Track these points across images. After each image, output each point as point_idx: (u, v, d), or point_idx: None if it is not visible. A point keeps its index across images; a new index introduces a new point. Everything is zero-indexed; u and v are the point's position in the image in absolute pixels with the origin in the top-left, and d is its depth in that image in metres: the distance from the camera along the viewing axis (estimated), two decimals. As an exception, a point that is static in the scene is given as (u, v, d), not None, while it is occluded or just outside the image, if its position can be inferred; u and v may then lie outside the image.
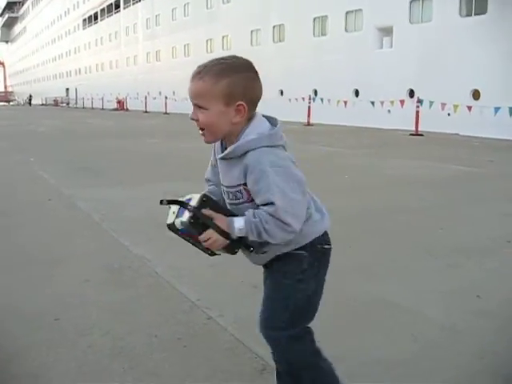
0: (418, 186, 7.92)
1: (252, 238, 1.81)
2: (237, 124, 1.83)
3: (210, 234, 1.81)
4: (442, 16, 19.75)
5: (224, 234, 1.80)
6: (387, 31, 22.37)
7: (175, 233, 1.88)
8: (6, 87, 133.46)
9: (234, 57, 1.88)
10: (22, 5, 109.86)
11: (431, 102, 18.73)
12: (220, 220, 1.81)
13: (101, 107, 52.01)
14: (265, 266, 2.06)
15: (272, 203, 1.75)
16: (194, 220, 1.77)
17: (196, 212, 1.77)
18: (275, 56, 28.72)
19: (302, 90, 25.39)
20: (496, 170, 9.87)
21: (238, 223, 1.80)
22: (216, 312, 3.26)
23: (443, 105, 18.51)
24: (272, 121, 1.90)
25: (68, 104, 69.07)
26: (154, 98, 41.88)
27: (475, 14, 18.45)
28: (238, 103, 1.80)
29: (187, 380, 2.51)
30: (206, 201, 1.81)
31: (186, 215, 1.78)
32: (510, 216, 6.00)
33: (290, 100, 26.39)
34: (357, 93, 23.80)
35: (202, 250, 1.89)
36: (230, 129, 1.84)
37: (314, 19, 26.57)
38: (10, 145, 14.53)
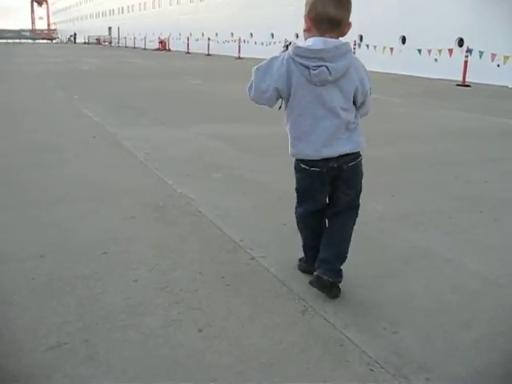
0: (463, 137, 7.74)
1: None
2: (306, 32, 2.58)
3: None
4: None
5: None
6: (440, -25, 21.40)
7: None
8: (49, 25, 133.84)
9: None
10: None
11: (481, 53, 18.06)
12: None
13: (143, 47, 51.79)
14: None
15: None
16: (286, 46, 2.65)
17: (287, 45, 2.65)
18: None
19: (347, 35, 24.66)
20: (546, 125, 9.55)
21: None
22: (259, 253, 3.31)
23: (493, 55, 17.83)
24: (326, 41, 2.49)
25: (110, 43, 68.95)
26: (197, 40, 41.47)
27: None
28: (303, 16, 2.55)
29: (230, 317, 2.58)
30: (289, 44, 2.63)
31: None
32: (559, 172, 5.84)
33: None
34: (403, 40, 23.07)
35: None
36: (304, 36, 2.60)
37: (364, -39, 25.58)
38: (54, 82, 14.67)
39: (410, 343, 2.41)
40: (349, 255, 2.82)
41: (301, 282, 2.92)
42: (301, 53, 2.47)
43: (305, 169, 2.67)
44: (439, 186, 5.13)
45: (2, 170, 5.30)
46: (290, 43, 2.57)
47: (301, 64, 2.47)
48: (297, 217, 2.92)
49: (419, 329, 2.53)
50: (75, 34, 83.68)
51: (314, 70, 2.45)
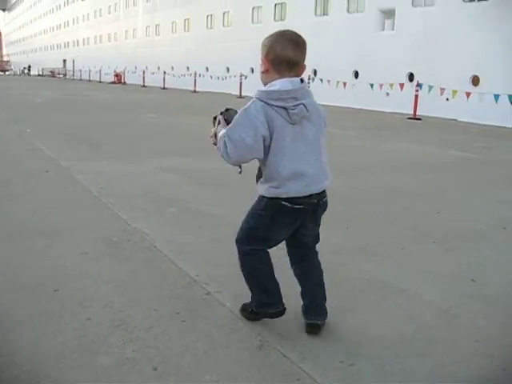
0: (416, 170, 7.94)
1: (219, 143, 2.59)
2: (264, 74, 2.62)
3: (213, 130, 2.71)
4: (445, 0, 19.58)
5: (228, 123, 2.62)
6: (389, 13, 22.20)
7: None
8: (2, 56, 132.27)
9: (285, 29, 2.68)
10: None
11: (430, 87, 18.69)
12: (222, 125, 2.66)
13: (98, 80, 51.59)
14: None
15: (227, 135, 2.51)
16: (214, 118, 2.75)
17: (218, 115, 2.72)
18: (275, 34, 28.42)
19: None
20: (493, 157, 9.90)
21: (222, 131, 2.58)
22: (215, 287, 3.28)
23: (442, 89, 18.48)
24: (293, 82, 2.53)
25: (65, 75, 68.45)
26: (153, 73, 41.58)
27: (478, 0, 18.31)
28: (261, 58, 2.58)
29: (185, 354, 2.54)
30: (225, 111, 2.70)
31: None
32: (506, 203, 6.03)
33: (289, 80, 26.21)
34: (356, 74, 23.70)
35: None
36: (262, 78, 2.64)
37: (316, -2, 26.34)
38: (7, 115, 14.42)
39: (367, 375, 2.41)
40: (305, 289, 2.84)
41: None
42: (276, 96, 2.47)
43: (284, 207, 2.59)
44: (392, 216, 5.23)
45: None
46: (227, 110, 2.69)
47: (277, 106, 2.48)
48: (246, 259, 2.75)
49: (376, 360, 2.54)
50: (29, 66, 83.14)
51: (293, 109, 2.48)
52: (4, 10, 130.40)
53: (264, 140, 2.50)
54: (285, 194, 2.57)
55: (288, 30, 2.63)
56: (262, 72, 2.60)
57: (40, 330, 2.72)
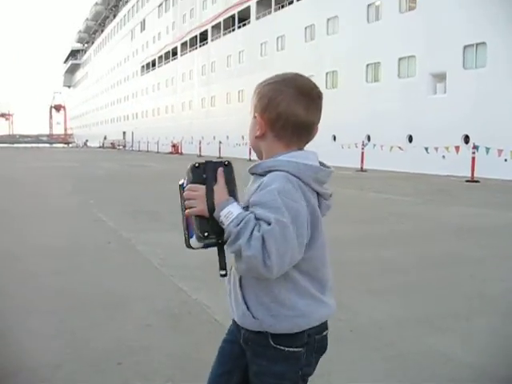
0: (477, 234, 7.76)
1: (227, 233, 1.52)
2: (258, 139, 1.69)
3: (197, 188, 1.59)
4: (496, 61, 19.61)
5: (209, 202, 1.55)
6: (441, 77, 22.32)
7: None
8: (65, 129, 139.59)
9: (292, 72, 1.72)
10: (85, 52, 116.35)
11: (487, 149, 18.45)
12: (219, 190, 1.58)
13: (156, 150, 53.31)
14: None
15: (269, 223, 1.47)
16: (199, 166, 1.57)
17: (208, 163, 1.59)
18: (328, 102, 28.38)
19: (354, 135, 25.47)
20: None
21: (233, 207, 1.53)
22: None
23: (500, 151, 18.20)
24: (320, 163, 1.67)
25: (124, 147, 71.17)
26: (208, 143, 42.69)
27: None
28: (254, 114, 1.70)
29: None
30: (226, 165, 1.62)
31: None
32: None
33: (342, 146, 26.46)
34: (410, 138, 23.68)
35: (182, 209, 1.66)
36: (254, 144, 1.73)
37: (367, 65, 26.82)
38: (71, 186, 15.04)
39: None
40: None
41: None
42: (312, 174, 1.61)
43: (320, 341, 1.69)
44: (455, 285, 5.10)
45: (15, 277, 5.34)
46: (227, 163, 1.65)
47: (316, 192, 1.63)
48: None
49: None
50: (86, 141, 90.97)
51: (327, 199, 1.69)
52: (69, 86, 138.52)
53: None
54: (310, 322, 1.63)
55: (296, 75, 1.70)
56: (257, 137, 1.70)
57: (105, 404, 2.76)
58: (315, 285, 1.63)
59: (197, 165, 1.56)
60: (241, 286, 1.66)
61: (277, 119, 1.63)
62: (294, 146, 1.65)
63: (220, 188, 1.58)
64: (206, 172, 1.56)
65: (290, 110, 1.62)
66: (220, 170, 1.60)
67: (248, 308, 1.65)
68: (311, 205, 1.57)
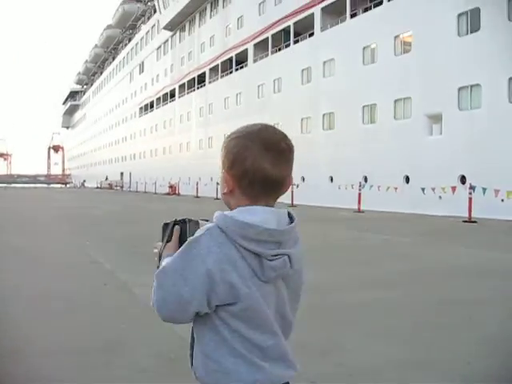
0: (476, 277, 7.72)
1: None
2: (227, 195, 1.67)
3: (157, 245, 1.77)
4: (491, 102, 19.89)
5: (160, 255, 1.76)
6: (436, 118, 22.58)
7: None
8: (63, 170, 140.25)
9: (259, 124, 1.68)
10: (84, 94, 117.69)
11: (484, 189, 18.53)
12: (171, 244, 1.72)
13: (153, 191, 53.44)
14: None
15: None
16: (167, 224, 1.82)
17: (169, 223, 1.81)
18: (325, 143, 29.32)
19: (351, 176, 25.60)
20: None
21: (167, 259, 1.62)
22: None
23: (496, 191, 18.28)
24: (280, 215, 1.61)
25: (122, 187, 71.37)
26: (205, 184, 42.83)
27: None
28: (222, 170, 1.68)
29: None
30: (183, 222, 1.79)
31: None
32: None
33: (339, 187, 26.55)
34: (407, 179, 23.80)
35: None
36: (224, 199, 1.70)
37: (364, 107, 27.15)
38: (68, 228, 15.02)
39: None
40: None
41: None
42: (251, 234, 1.52)
43: None
44: (453, 328, 5.05)
45: (10, 320, 5.28)
46: (190, 220, 1.78)
47: (249, 251, 1.52)
48: None
49: None
50: (84, 181, 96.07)
51: (272, 260, 1.54)
52: (68, 127, 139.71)
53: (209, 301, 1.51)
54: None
55: (263, 127, 1.65)
56: (225, 193, 1.68)
57: None
58: (249, 348, 1.53)
59: (165, 223, 1.82)
60: (192, 329, 1.64)
61: (243, 176, 1.59)
62: (262, 202, 1.59)
63: (172, 243, 1.73)
64: (167, 229, 1.80)
65: (256, 165, 1.57)
66: (176, 228, 1.75)
67: (191, 354, 1.64)
68: (231, 262, 1.50)
